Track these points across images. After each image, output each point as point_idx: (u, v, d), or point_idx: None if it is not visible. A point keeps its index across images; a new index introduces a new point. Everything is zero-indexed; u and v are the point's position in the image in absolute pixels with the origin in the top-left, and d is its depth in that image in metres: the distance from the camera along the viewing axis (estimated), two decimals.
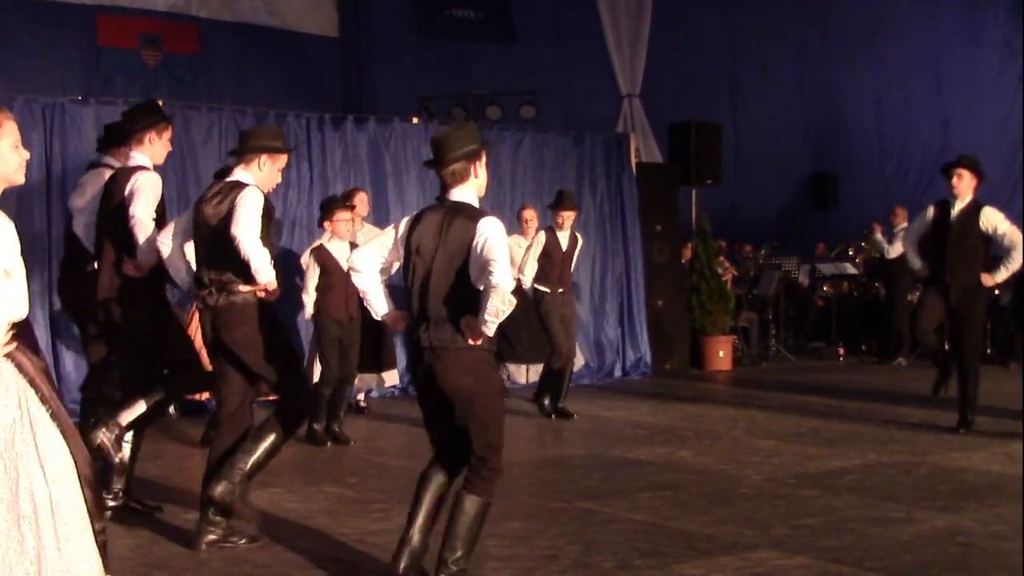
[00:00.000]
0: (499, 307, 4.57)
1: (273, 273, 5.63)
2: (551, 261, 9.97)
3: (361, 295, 5.09)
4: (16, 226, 3.83)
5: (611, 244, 13.21)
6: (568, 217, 10.05)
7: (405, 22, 17.74)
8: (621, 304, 13.26)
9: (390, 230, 5.07)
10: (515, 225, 10.76)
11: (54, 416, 3.71)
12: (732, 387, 12.62)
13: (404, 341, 9.69)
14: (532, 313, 10.19)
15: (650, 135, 17.18)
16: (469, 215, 4.74)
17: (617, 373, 13.11)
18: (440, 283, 4.71)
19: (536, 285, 9.98)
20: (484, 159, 4.91)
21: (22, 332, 3.69)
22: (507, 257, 4.64)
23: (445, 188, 4.89)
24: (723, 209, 16.67)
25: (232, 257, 5.57)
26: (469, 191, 4.86)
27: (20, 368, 3.67)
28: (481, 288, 4.65)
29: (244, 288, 5.62)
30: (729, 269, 15.02)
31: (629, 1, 17.45)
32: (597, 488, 7.11)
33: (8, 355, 3.63)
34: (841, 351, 15.22)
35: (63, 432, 3.72)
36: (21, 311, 3.67)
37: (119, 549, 5.60)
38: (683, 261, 14.21)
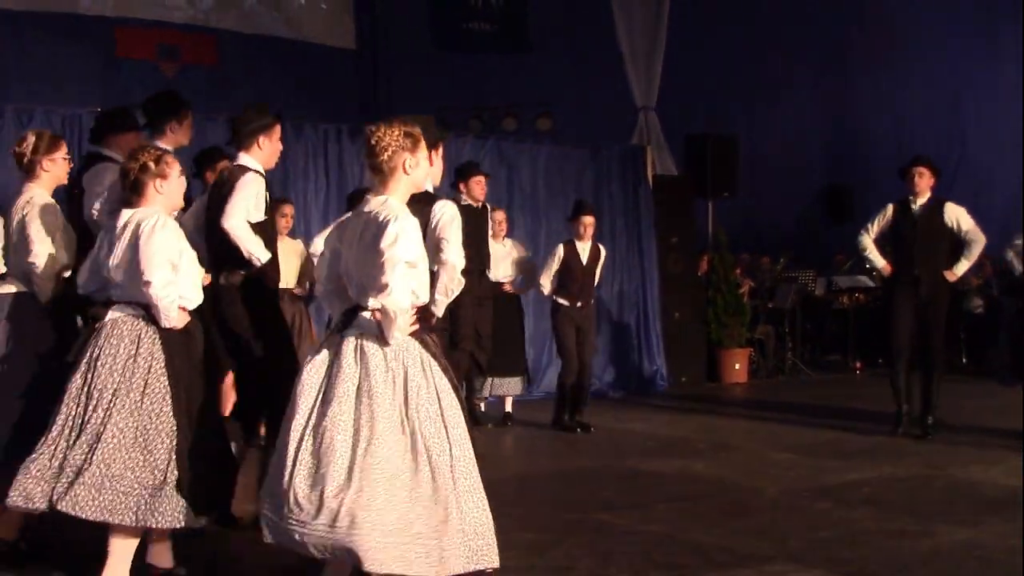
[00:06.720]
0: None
1: (268, 255, 5.79)
2: (571, 274, 9.88)
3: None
4: None
5: (627, 256, 13.21)
6: (588, 224, 9.92)
7: (422, 34, 17.81)
8: (637, 316, 13.25)
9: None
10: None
11: (455, 388, 4.40)
12: (748, 400, 12.58)
13: None
14: (505, 323, 9.87)
15: (665, 147, 17.14)
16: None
17: (633, 385, 13.09)
18: None
19: (556, 297, 9.96)
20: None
21: (424, 316, 4.42)
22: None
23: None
24: (739, 221, 16.64)
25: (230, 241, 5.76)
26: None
27: (424, 345, 4.35)
28: None
29: (243, 272, 5.80)
30: (747, 281, 15.01)
31: (645, 14, 17.42)
32: (613, 500, 7.10)
33: (412, 334, 4.29)
34: (858, 364, 15.15)
35: (460, 402, 4.40)
36: (424, 297, 4.42)
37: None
38: (699, 273, 14.20)
